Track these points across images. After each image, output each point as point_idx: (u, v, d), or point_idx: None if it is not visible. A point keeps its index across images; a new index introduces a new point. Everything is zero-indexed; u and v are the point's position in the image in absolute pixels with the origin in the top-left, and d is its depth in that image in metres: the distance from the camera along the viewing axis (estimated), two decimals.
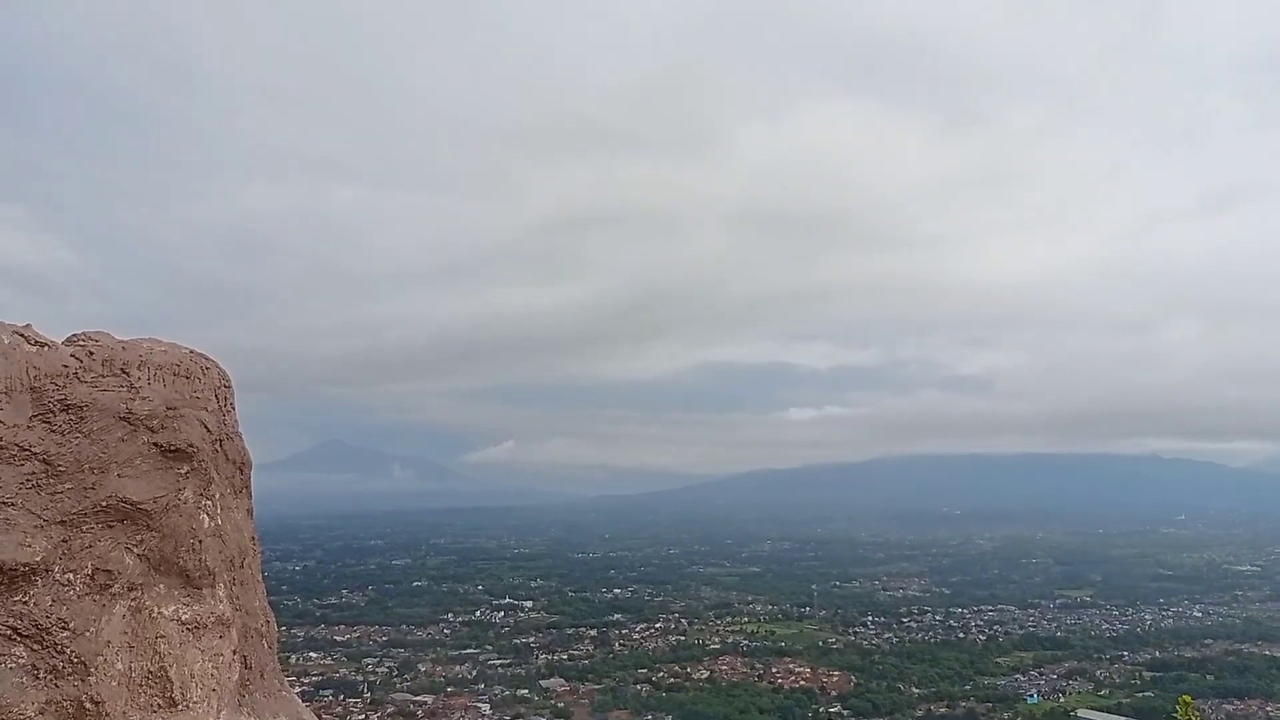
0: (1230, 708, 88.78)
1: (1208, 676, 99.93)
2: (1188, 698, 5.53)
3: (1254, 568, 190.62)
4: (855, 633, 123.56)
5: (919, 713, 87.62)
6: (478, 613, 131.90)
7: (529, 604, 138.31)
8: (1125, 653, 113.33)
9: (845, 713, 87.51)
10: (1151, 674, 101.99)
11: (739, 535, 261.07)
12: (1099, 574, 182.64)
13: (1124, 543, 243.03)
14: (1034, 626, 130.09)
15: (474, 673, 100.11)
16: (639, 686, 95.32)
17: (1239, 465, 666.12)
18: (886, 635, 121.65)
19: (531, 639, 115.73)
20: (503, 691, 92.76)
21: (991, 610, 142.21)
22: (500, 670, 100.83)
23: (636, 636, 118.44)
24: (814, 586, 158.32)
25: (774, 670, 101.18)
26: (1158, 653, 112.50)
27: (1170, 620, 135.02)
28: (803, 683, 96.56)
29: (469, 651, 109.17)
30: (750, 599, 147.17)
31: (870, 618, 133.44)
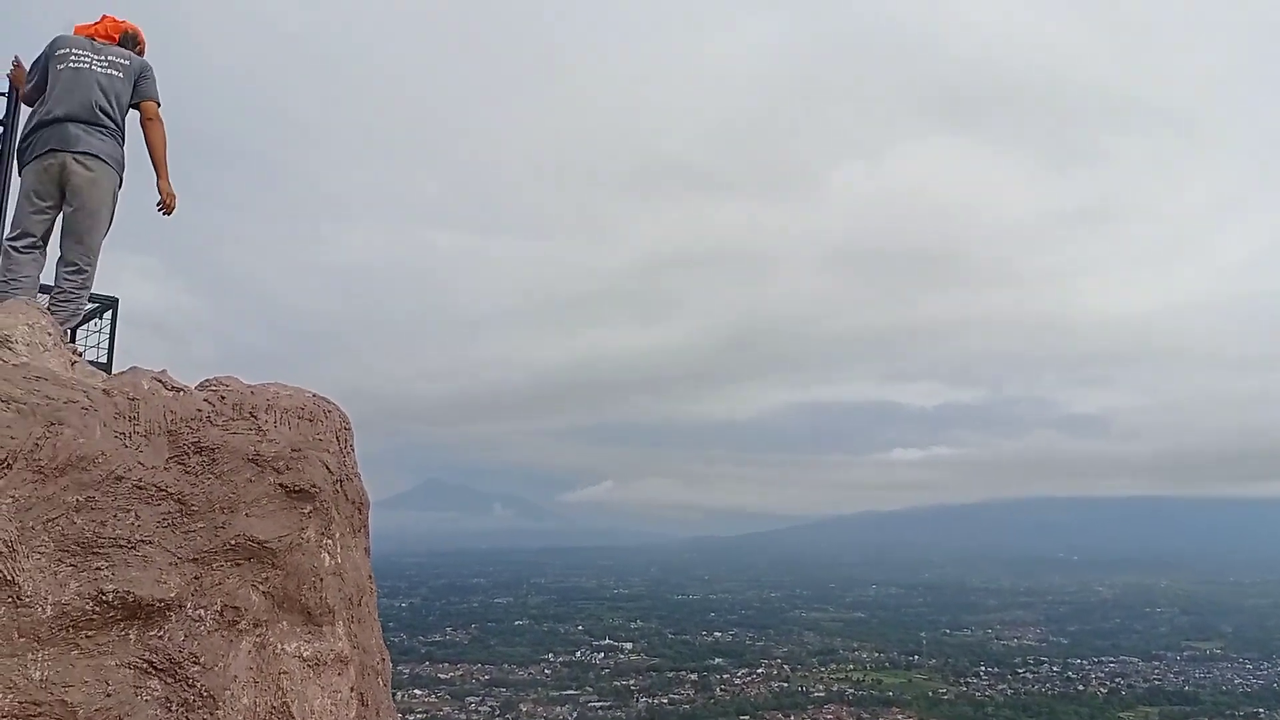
0: None
1: None
2: None
3: None
4: (967, 683, 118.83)
5: None
6: (578, 653, 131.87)
7: (629, 645, 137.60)
8: (1261, 710, 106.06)
9: None
10: None
11: (842, 579, 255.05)
12: (1229, 624, 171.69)
13: (1256, 591, 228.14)
14: (1159, 679, 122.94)
15: (574, 714, 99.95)
16: None
17: None
18: (1000, 686, 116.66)
19: (632, 681, 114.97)
20: None
21: (1113, 662, 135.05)
22: (600, 713, 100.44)
23: (738, 682, 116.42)
24: (922, 634, 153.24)
25: None
26: None
27: None
28: None
29: (570, 693, 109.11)
30: (855, 645, 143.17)
31: (983, 667, 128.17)
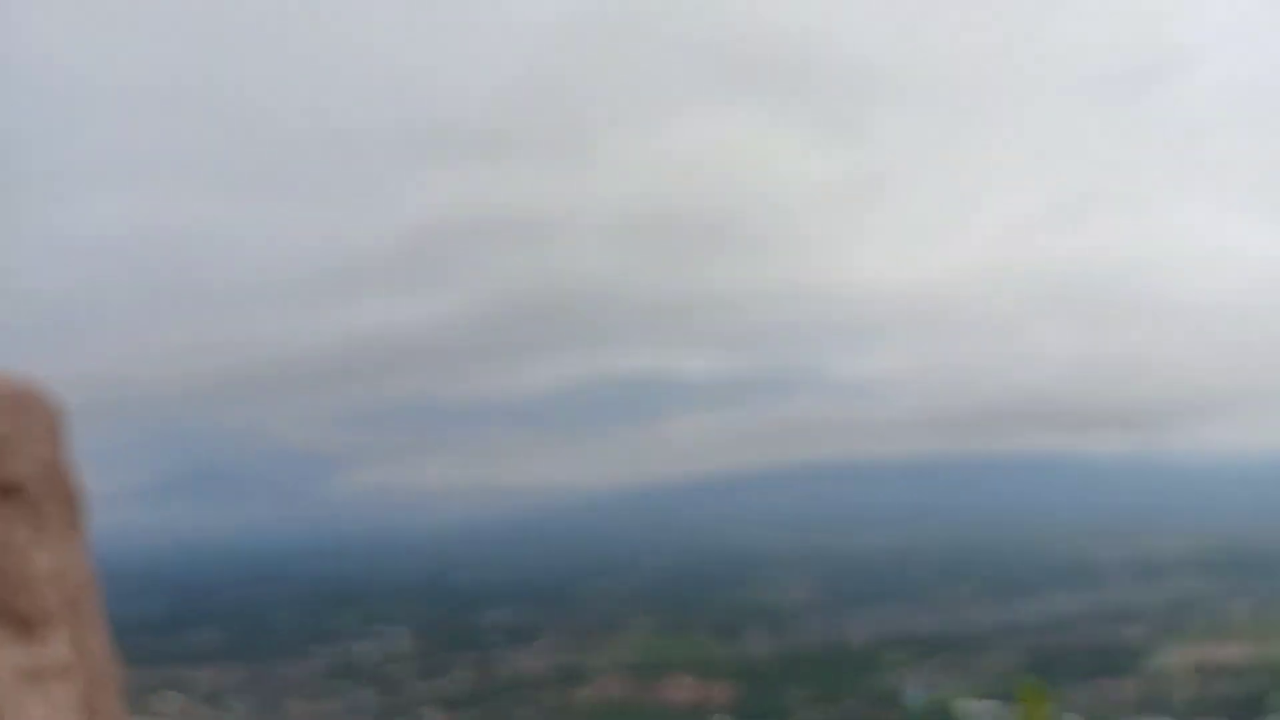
0: (1099, 687, 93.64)
1: (1079, 658, 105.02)
2: (1029, 684, 5.80)
3: (1120, 555, 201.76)
4: (743, 643, 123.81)
5: (803, 718, 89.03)
6: (346, 644, 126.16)
7: (402, 632, 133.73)
8: (1003, 642, 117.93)
9: None
10: (1030, 659, 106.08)
11: (623, 551, 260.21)
12: (978, 570, 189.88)
13: (1000, 538, 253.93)
14: (916, 625, 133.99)
15: (342, 708, 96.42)
16: (520, 711, 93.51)
17: (1103, 457, 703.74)
18: (774, 644, 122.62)
19: (405, 668, 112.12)
20: None
21: (879, 612, 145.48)
22: (371, 703, 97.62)
23: (517, 660, 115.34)
24: (701, 599, 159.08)
25: (661, 686, 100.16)
26: (1033, 641, 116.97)
27: (1044, 610, 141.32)
28: (690, 696, 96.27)
29: (338, 685, 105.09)
30: (637, 616, 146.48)
31: (759, 627, 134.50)
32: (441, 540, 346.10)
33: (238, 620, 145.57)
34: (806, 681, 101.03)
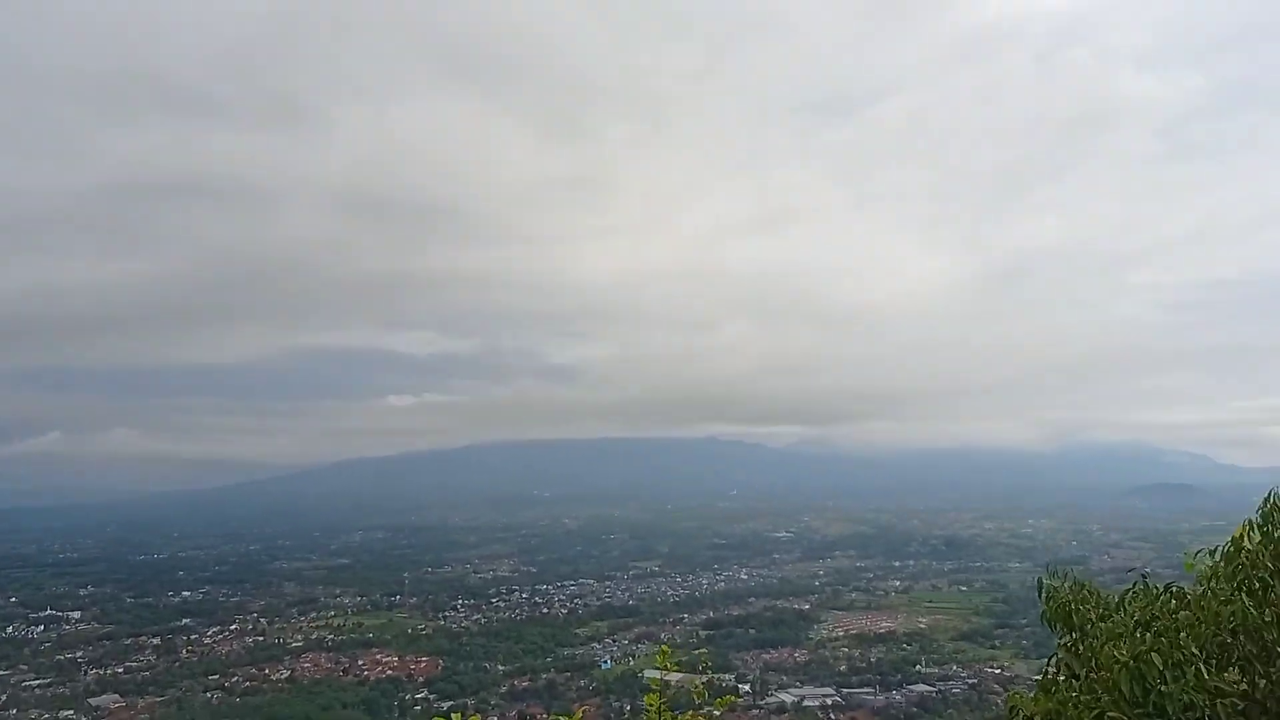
0: (767, 656, 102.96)
1: (750, 630, 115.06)
2: (666, 648, 6.70)
3: (789, 534, 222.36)
4: (445, 617, 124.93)
5: (503, 689, 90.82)
6: (9, 629, 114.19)
7: (76, 615, 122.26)
8: (685, 614, 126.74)
9: (432, 697, 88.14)
10: (706, 632, 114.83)
11: (328, 527, 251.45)
12: (666, 546, 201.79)
13: (688, 517, 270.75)
14: (610, 597, 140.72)
15: (3, 696, 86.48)
16: (209, 694, 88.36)
17: (778, 445, 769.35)
18: (475, 617, 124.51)
19: (79, 654, 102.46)
20: (41, 715, 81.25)
21: (574, 585, 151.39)
22: (38, 692, 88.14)
23: (208, 641, 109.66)
24: (405, 575, 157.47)
25: (360, 663, 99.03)
26: (711, 613, 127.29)
27: (723, 583, 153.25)
28: (390, 672, 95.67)
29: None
30: (338, 592, 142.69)
31: (460, 601, 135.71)
32: (127, 514, 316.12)
33: None
34: (507, 654, 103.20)
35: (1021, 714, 6.84)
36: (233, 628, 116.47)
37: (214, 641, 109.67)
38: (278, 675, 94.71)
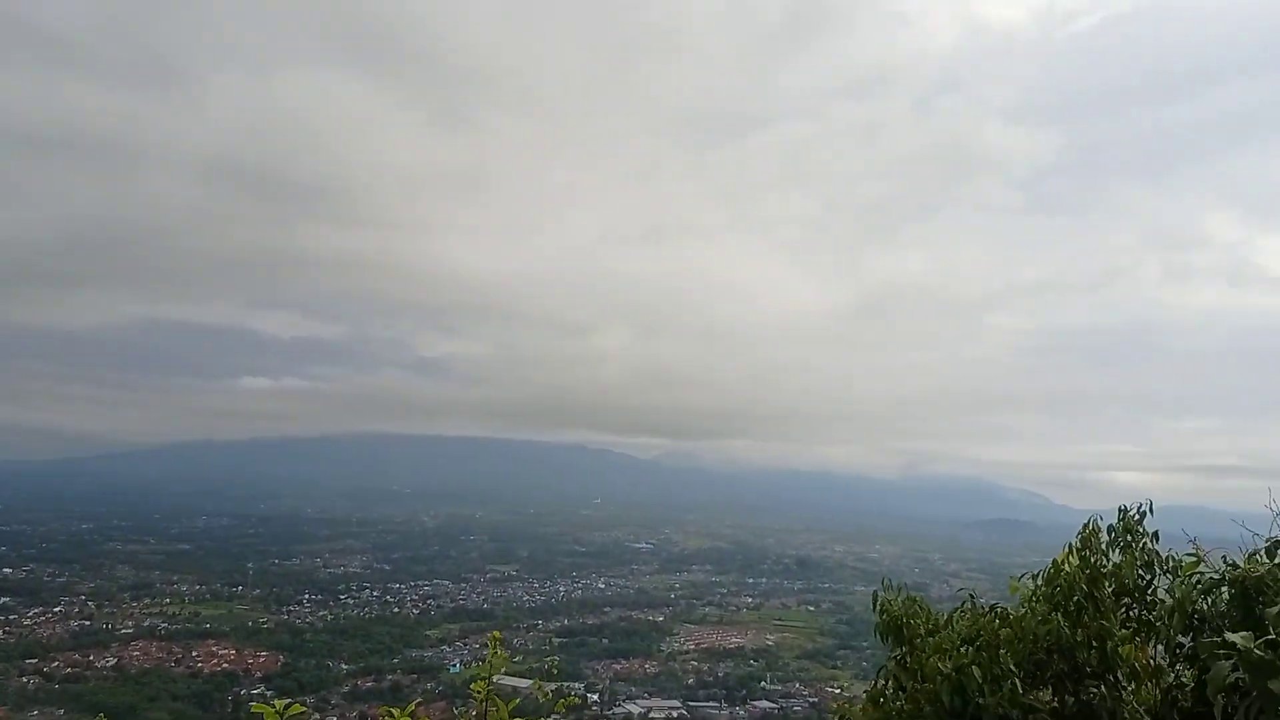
0: (618, 666, 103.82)
1: (603, 640, 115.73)
2: (496, 634, 6.81)
3: (649, 545, 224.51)
4: (289, 611, 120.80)
5: (345, 688, 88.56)
6: None
7: None
8: (540, 621, 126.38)
9: (269, 693, 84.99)
10: (560, 640, 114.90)
11: (170, 510, 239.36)
12: (526, 550, 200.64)
13: (549, 522, 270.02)
14: (464, 600, 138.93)
15: None
16: (25, 679, 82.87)
17: (645, 456, 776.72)
18: (322, 613, 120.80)
19: None
20: None
21: (427, 585, 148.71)
22: None
23: (28, 623, 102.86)
24: (250, 564, 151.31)
25: (195, 654, 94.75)
26: (566, 620, 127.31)
27: (580, 591, 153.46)
28: (226, 665, 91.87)
29: None
30: (175, 579, 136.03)
31: (307, 595, 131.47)
32: None
33: None
34: (352, 652, 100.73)
35: None
36: (57, 610, 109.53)
37: (35, 623, 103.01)
38: (103, 662, 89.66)
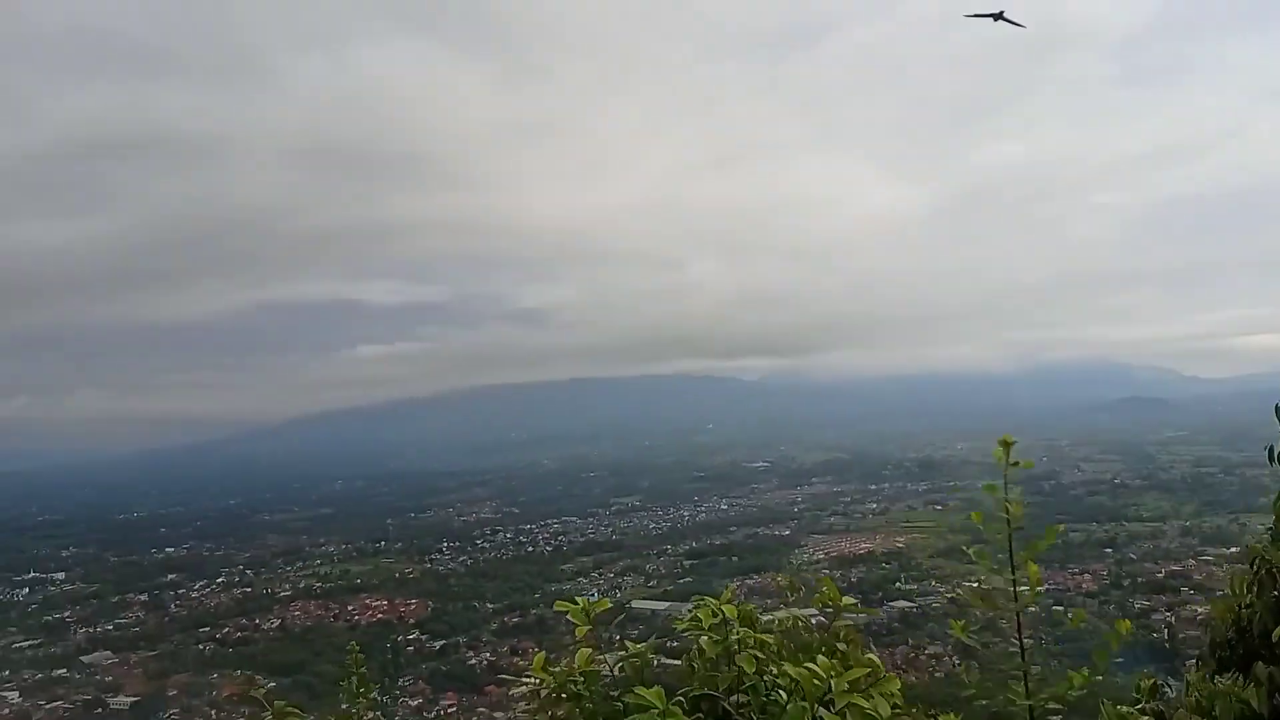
0: (751, 581, 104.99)
1: (733, 558, 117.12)
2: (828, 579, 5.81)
3: (766, 463, 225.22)
4: (431, 560, 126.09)
5: (493, 626, 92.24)
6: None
7: (60, 576, 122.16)
8: (668, 546, 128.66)
9: (424, 637, 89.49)
10: (690, 562, 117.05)
11: (307, 478, 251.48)
12: (646, 481, 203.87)
13: (665, 452, 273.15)
14: (593, 533, 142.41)
15: None
16: (201, 646, 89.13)
17: (751, 378, 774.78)
18: (461, 559, 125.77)
19: (67, 614, 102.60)
20: (34, 675, 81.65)
21: (556, 523, 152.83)
22: (29, 653, 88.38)
23: (195, 595, 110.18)
24: (389, 521, 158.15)
25: (350, 608, 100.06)
26: (694, 543, 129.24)
27: (703, 515, 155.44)
28: (380, 616, 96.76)
29: None
30: (322, 541, 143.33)
31: (445, 544, 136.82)
32: (100, 475, 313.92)
33: None
34: (495, 592, 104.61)
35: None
36: (219, 581, 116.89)
37: (202, 595, 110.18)
38: (269, 624, 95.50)
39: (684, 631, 4.67)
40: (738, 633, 4.46)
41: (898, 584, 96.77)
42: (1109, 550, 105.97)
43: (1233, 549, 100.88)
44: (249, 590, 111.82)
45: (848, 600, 5.52)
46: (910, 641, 74.67)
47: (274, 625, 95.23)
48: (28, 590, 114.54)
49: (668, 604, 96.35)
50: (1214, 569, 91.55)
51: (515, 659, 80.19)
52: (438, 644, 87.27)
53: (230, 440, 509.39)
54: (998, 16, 30.26)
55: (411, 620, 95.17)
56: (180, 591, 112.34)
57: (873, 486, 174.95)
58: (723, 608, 4.67)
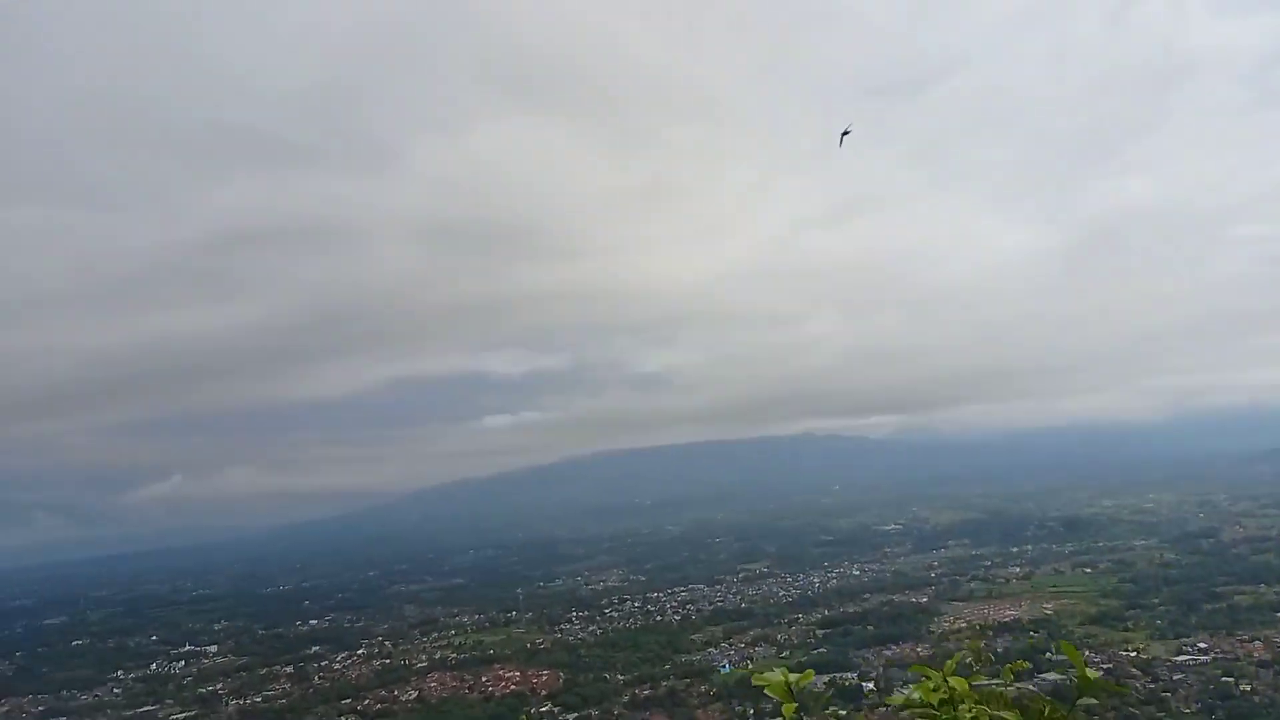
0: (889, 652, 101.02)
1: (868, 627, 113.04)
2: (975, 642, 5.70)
3: (897, 526, 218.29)
4: (561, 629, 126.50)
5: (625, 698, 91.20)
6: (153, 665, 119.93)
7: (213, 649, 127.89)
8: (800, 614, 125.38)
9: (556, 710, 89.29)
10: (823, 631, 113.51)
11: (439, 549, 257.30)
12: (773, 546, 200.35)
13: (792, 515, 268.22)
14: (721, 601, 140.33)
15: None
16: (343, 718, 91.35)
17: (878, 436, 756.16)
18: (591, 628, 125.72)
19: (219, 685, 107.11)
20: None
21: (684, 591, 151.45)
22: None
23: (338, 667, 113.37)
24: (519, 590, 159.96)
25: (484, 679, 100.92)
26: (826, 611, 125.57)
27: (834, 580, 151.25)
28: (513, 687, 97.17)
29: (147, 709, 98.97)
30: (456, 611, 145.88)
31: (574, 613, 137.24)
32: (250, 549, 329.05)
33: (31, 648, 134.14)
34: (625, 663, 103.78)
35: None
36: (360, 652, 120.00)
37: (343, 666, 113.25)
38: (406, 696, 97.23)
39: (903, 711, 4.38)
40: (972, 712, 4.07)
41: (1047, 654, 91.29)
42: None
43: None
44: (387, 661, 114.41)
45: (1093, 674, 4.97)
46: (1065, 715, 70.02)
47: (412, 697, 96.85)
48: (183, 663, 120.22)
49: (795, 676, 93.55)
50: None
51: None
52: (571, 716, 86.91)
53: (367, 512, 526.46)
54: (844, 135, 34.25)
55: (544, 691, 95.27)
56: (323, 663, 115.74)
57: (1014, 549, 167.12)
58: (948, 680, 4.29)
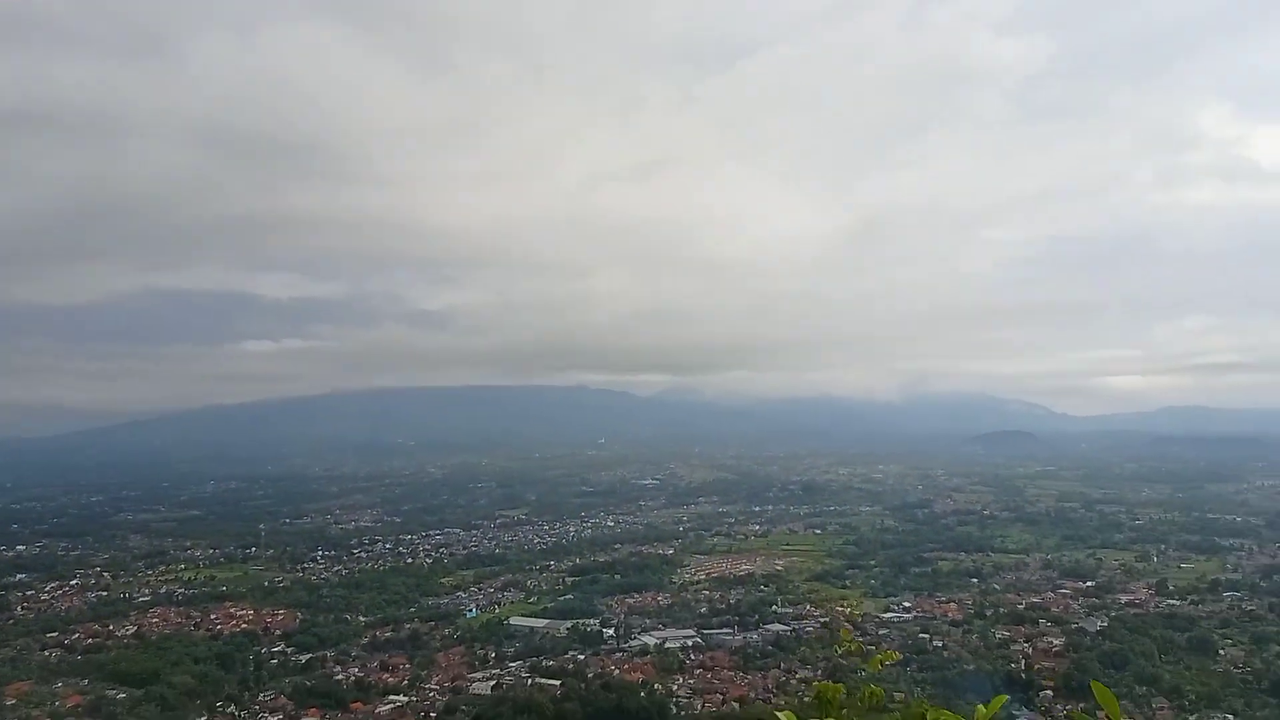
0: (632, 600, 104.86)
1: (615, 576, 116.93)
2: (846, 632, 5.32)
3: (655, 481, 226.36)
4: (304, 569, 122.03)
5: (365, 640, 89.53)
6: None
7: None
8: (552, 562, 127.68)
9: (289, 650, 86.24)
10: (572, 578, 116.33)
11: (178, 477, 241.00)
12: (534, 494, 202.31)
13: (556, 465, 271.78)
14: (476, 546, 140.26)
15: None
16: (47, 652, 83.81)
17: (646, 394, 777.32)
18: (336, 568, 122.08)
19: None
20: None
21: (439, 534, 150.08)
22: None
23: (45, 597, 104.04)
24: (262, 526, 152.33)
25: (213, 617, 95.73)
26: (578, 560, 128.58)
27: (589, 530, 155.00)
28: (245, 626, 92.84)
29: None
30: (188, 545, 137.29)
31: (320, 552, 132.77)
32: None
33: None
34: (369, 604, 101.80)
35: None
36: (73, 583, 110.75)
37: (52, 597, 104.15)
38: (123, 631, 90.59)
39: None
40: None
41: (774, 607, 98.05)
42: (974, 580, 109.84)
43: (1088, 583, 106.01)
44: (104, 594, 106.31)
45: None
46: (783, 665, 75.60)
47: (129, 632, 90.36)
48: None
49: (546, 621, 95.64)
50: (1070, 602, 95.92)
51: (385, 675, 78.13)
52: (304, 657, 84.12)
53: (101, 432, 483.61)
54: None
55: (278, 631, 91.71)
56: (29, 593, 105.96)
57: (756, 508, 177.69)
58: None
